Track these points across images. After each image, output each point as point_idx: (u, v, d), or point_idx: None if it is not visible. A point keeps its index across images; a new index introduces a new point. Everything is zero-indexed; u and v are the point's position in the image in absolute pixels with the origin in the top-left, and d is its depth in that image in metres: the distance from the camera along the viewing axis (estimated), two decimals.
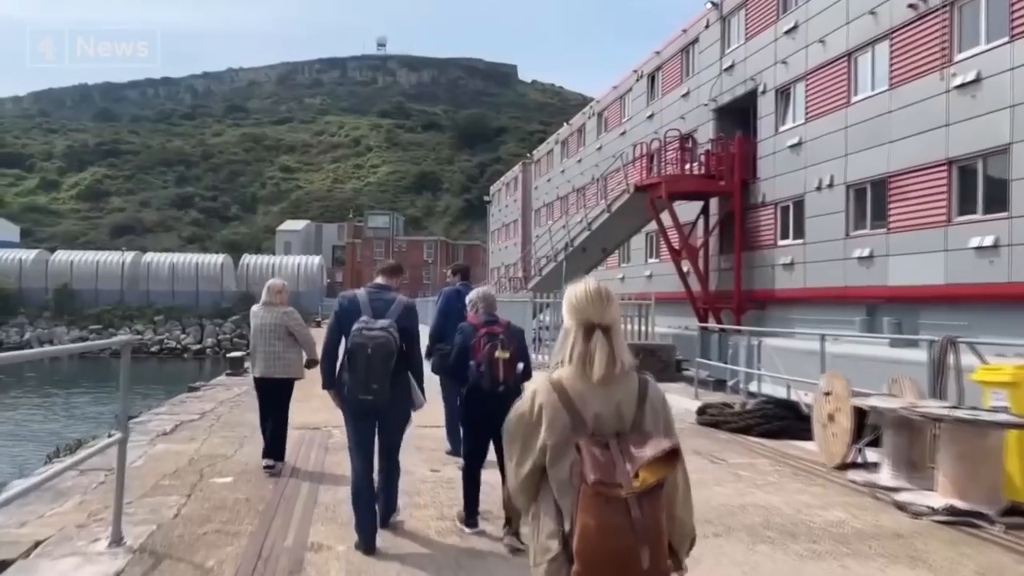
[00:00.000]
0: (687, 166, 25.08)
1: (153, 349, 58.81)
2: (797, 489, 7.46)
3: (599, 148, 37.77)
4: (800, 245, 21.41)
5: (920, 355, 12.83)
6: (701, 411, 11.52)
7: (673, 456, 2.42)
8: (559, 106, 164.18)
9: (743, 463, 8.65)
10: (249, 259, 72.03)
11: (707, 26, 26.94)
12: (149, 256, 70.81)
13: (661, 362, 18.38)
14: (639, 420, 2.56)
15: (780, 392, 17.20)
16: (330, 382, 5.83)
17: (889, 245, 18.01)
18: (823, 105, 20.47)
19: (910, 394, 8.08)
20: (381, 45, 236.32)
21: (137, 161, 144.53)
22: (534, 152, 54.70)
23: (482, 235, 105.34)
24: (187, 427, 10.86)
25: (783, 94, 22.66)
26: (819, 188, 20.46)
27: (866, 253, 18.58)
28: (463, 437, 6.37)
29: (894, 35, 17.97)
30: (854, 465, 8.21)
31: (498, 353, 5.68)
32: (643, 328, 19.59)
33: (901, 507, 6.77)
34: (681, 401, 14.22)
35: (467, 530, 5.99)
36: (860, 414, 8.02)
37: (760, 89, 23.45)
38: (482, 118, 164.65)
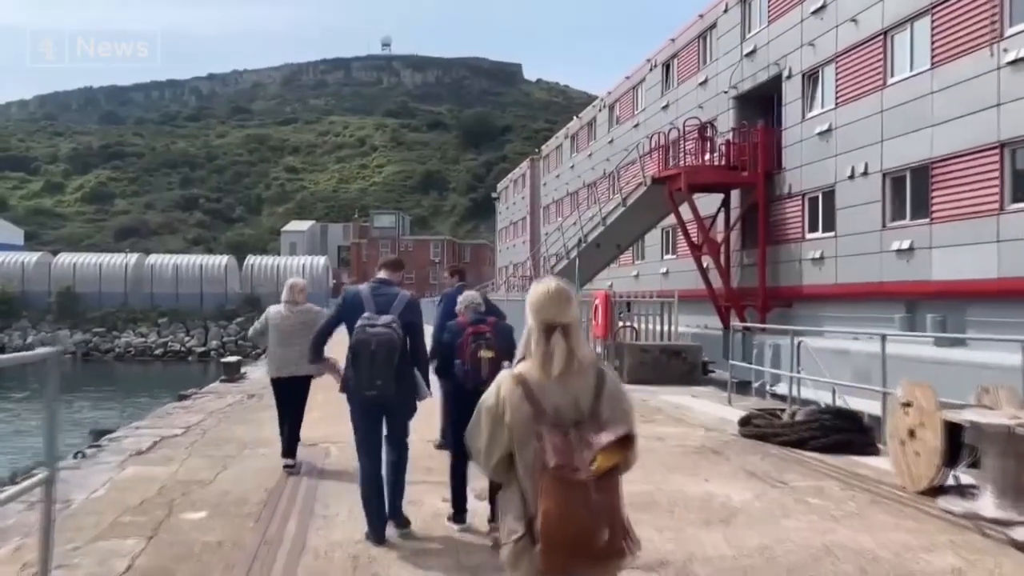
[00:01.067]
0: (706, 157, 23.80)
1: (157, 352, 58.12)
2: (886, 523, 6.20)
3: (610, 141, 36.52)
4: (831, 238, 20.13)
5: (994, 357, 11.66)
6: (745, 421, 10.23)
7: (627, 441, 2.62)
8: (564, 105, 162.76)
9: (809, 487, 7.38)
10: (254, 260, 71.02)
11: (726, 10, 25.66)
12: (153, 258, 69.75)
13: (686, 364, 17.12)
14: (596, 410, 2.73)
15: (821, 397, 16.05)
16: (315, 357, 6.33)
17: (932, 236, 16.72)
18: (856, 89, 19.18)
19: (1008, 406, 6.81)
20: (386, 45, 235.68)
21: (142, 163, 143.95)
22: (542, 148, 53.39)
23: (489, 234, 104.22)
24: (167, 444, 9.63)
25: (810, 78, 21.37)
26: (852, 177, 19.17)
27: (906, 245, 17.28)
28: (450, 435, 6.58)
29: (936, 10, 16.67)
30: (943, 490, 6.94)
31: (482, 352, 5.76)
32: (666, 327, 18.32)
33: (1021, 547, 5.51)
34: (715, 409, 12.96)
35: (455, 527, 6.04)
36: (951, 429, 6.75)
37: (785, 74, 22.16)
38: (487, 117, 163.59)
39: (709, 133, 23.69)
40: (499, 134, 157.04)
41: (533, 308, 2.84)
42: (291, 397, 8.25)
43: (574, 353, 2.76)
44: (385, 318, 5.56)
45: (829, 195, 20.32)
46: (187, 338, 60.80)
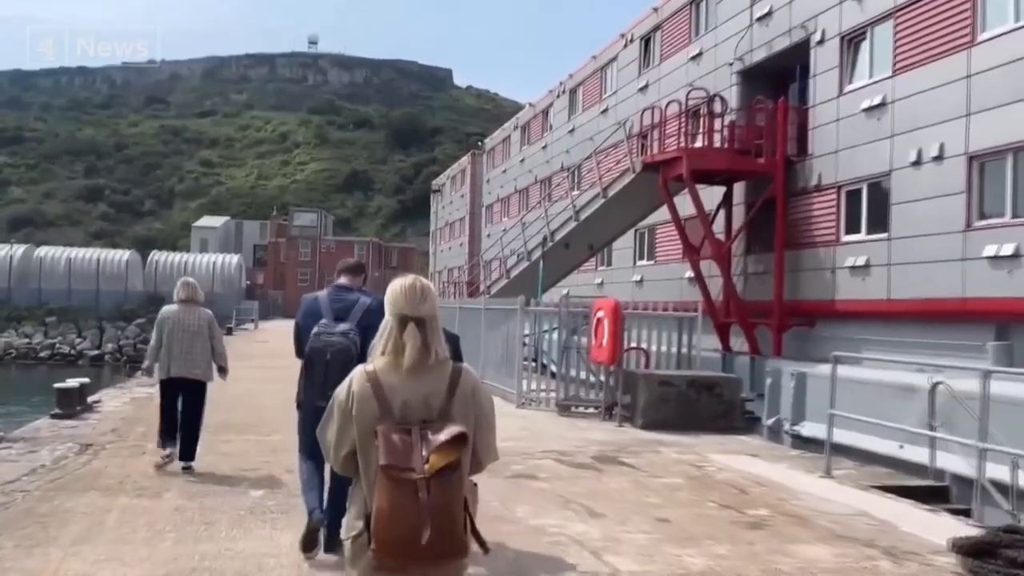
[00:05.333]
0: (715, 137, 19.38)
1: (43, 355, 52.15)
2: None
3: (571, 131, 32.01)
4: (880, 241, 15.87)
5: None
6: (977, 550, 5.50)
7: (461, 440, 2.57)
8: (494, 112, 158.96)
9: None
10: (159, 256, 65.60)
11: None
12: (43, 250, 63.76)
13: (722, 403, 12.54)
14: (446, 409, 2.69)
15: (869, 444, 12.11)
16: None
17: None
18: (926, 50, 14.95)
19: None
20: (312, 43, 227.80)
21: (42, 150, 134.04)
22: (485, 141, 48.50)
23: (417, 239, 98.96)
24: None
25: (852, 42, 17.13)
26: (917, 163, 14.94)
27: (1008, 251, 13.05)
28: None
29: None
30: None
31: None
32: (685, 350, 13.74)
33: None
34: (822, 487, 8.33)
35: None
36: None
37: (816, 38, 17.88)
38: (417, 117, 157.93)
39: (719, 108, 19.22)
40: (429, 135, 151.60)
41: (389, 302, 2.84)
42: (185, 399, 8.24)
43: (429, 347, 2.75)
44: (342, 326, 5.50)
45: (879, 187, 16.09)
46: (79, 340, 54.85)
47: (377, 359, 2.77)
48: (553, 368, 15.94)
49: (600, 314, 12.76)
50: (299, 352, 5.80)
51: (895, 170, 15.55)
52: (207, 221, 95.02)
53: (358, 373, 2.76)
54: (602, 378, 13.41)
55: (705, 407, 12.43)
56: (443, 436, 2.54)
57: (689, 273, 22.34)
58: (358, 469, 2.72)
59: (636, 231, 25.11)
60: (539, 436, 11.27)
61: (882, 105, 15.94)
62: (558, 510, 7.04)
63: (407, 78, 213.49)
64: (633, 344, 13.56)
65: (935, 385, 11.37)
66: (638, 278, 25.70)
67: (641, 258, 26.18)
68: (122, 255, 64.34)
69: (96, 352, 52.55)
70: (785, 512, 7.21)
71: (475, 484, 2.79)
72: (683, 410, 12.27)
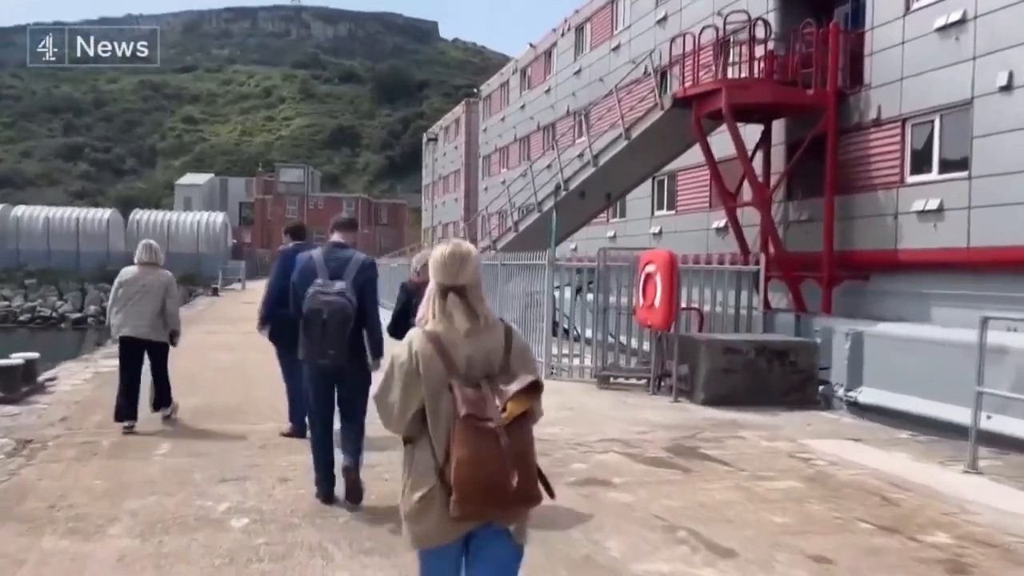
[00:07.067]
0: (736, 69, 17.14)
1: (23, 318, 49.85)
2: None
3: (577, 72, 29.61)
4: (958, 181, 13.78)
5: None
6: None
7: (534, 388, 2.69)
8: (481, 65, 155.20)
9: None
10: (141, 215, 63.35)
11: None
12: (20, 209, 61.49)
13: (796, 372, 10.53)
14: (506, 363, 2.79)
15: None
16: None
17: None
18: None
19: None
20: None
21: (19, 108, 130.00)
22: (481, 88, 45.80)
23: (408, 195, 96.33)
24: None
25: None
26: (1007, 87, 12.78)
27: None
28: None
29: None
30: None
31: None
32: (745, 311, 11.72)
33: None
34: (982, 491, 6.37)
35: None
36: None
37: None
38: (404, 70, 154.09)
39: (763, 34, 16.95)
40: (417, 89, 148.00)
41: (432, 271, 2.90)
42: (143, 357, 8.23)
43: (474, 312, 2.80)
44: (339, 285, 5.44)
45: (957, 118, 13.95)
46: (60, 302, 52.70)
47: (431, 322, 2.82)
48: (577, 332, 13.98)
49: (650, 268, 10.67)
50: (297, 312, 5.58)
51: (978, 97, 13.39)
52: (191, 179, 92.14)
53: (417, 335, 2.81)
54: (646, 345, 11.40)
55: (777, 378, 10.46)
56: (516, 385, 2.67)
57: (716, 223, 20.36)
58: (420, 429, 2.76)
59: (654, 179, 22.94)
60: (586, 417, 9.28)
61: (961, 22, 13.71)
62: (666, 544, 5.02)
63: (392, 31, 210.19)
64: (683, 304, 11.52)
65: None
66: (656, 230, 23.58)
67: (660, 208, 24.03)
68: (103, 214, 61.86)
69: (79, 315, 50.48)
70: (974, 539, 5.21)
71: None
72: (751, 382, 10.30)
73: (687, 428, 8.72)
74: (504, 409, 2.59)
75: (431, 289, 2.87)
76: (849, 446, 8.05)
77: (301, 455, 6.61)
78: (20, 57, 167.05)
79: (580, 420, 9.03)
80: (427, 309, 2.88)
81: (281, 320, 7.24)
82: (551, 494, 2.74)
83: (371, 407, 6.11)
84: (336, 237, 5.79)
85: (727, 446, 7.87)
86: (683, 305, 11.39)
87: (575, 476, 6.51)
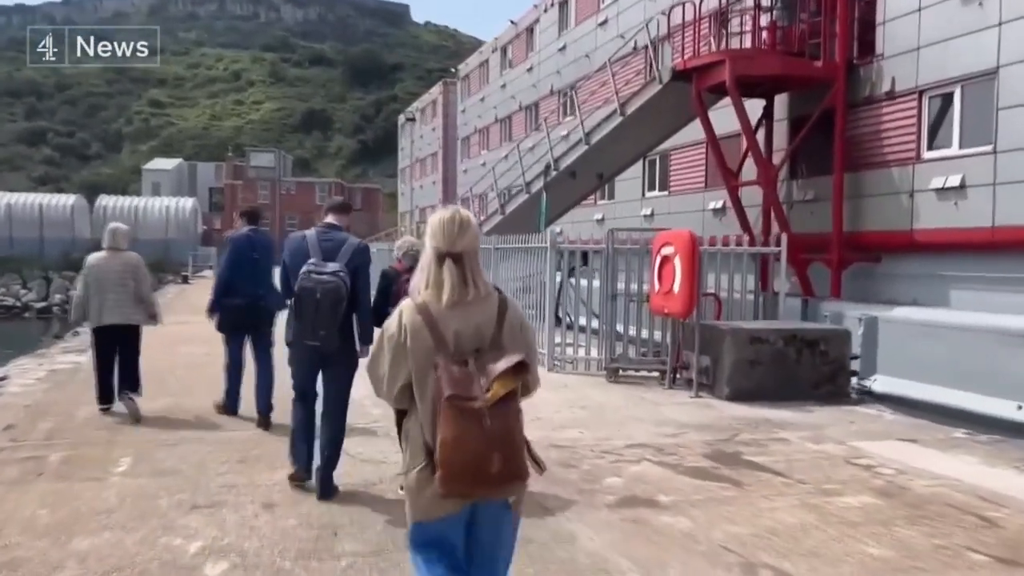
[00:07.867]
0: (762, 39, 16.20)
1: None
2: None
3: (562, 48, 28.55)
4: (982, 155, 12.93)
5: None
6: None
7: (521, 367, 2.60)
8: (454, 49, 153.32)
9: None
10: (107, 201, 61.83)
11: None
12: None
13: (827, 363, 9.63)
14: (497, 338, 2.71)
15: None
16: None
17: None
18: None
19: None
20: None
21: None
22: (459, 67, 44.47)
23: (381, 180, 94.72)
24: None
25: None
26: None
27: None
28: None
29: None
30: None
31: None
32: (763, 297, 10.80)
33: None
34: None
35: None
36: None
37: None
38: (376, 53, 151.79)
39: (767, 2, 15.98)
40: (389, 72, 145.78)
41: (429, 236, 2.82)
42: (118, 347, 8.03)
43: (468, 281, 2.73)
44: (332, 266, 5.31)
45: (980, 89, 13.08)
46: (23, 291, 50.87)
47: (423, 292, 2.76)
48: (579, 321, 13.00)
49: (668, 251, 9.67)
50: (287, 292, 5.54)
51: (1004, 66, 12.53)
52: (159, 164, 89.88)
53: (407, 306, 2.75)
54: (656, 335, 10.44)
55: (806, 369, 9.54)
56: (502, 364, 2.58)
57: (714, 204, 19.49)
58: (412, 401, 2.73)
59: (645, 159, 21.99)
60: (603, 417, 8.31)
61: None
62: None
63: (363, 14, 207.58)
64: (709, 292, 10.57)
65: None
66: (648, 211, 22.67)
67: (652, 188, 23.11)
68: (67, 200, 60.23)
69: (43, 304, 48.99)
70: None
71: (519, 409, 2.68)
72: (780, 374, 9.38)
73: (720, 429, 7.77)
74: (489, 389, 2.54)
75: (426, 256, 2.78)
76: (907, 449, 7.15)
77: (287, 470, 5.63)
78: None
79: (598, 421, 8.05)
80: (422, 278, 2.78)
81: (229, 309, 7.60)
82: (540, 470, 2.72)
83: (352, 404, 5.68)
84: (330, 219, 5.65)
85: (772, 451, 6.92)
86: (706, 291, 10.44)
87: (613, 494, 5.53)
